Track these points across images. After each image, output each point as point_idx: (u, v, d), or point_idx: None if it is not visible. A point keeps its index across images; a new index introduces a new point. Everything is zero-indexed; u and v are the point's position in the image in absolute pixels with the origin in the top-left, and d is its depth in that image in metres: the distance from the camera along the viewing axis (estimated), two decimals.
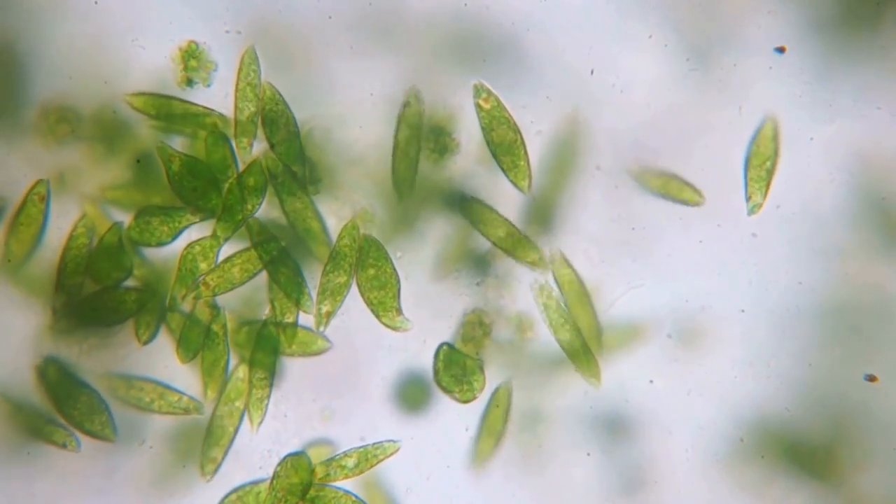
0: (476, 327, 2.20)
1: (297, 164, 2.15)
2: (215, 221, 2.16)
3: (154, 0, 2.17)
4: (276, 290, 2.17)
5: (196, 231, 2.17)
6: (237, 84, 2.15)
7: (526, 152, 2.19)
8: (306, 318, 2.19)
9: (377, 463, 2.17)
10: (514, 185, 2.19)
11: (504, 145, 2.18)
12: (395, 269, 2.17)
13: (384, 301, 2.18)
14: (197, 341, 2.17)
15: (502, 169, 2.19)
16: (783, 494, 2.20)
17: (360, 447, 2.18)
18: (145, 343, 2.16)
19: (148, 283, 2.17)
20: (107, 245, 2.15)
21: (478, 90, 2.18)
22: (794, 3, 2.20)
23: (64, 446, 2.16)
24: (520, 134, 2.19)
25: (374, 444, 2.18)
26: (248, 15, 2.18)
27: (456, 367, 2.18)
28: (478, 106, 2.18)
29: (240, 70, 2.15)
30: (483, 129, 2.18)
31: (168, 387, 2.18)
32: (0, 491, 2.17)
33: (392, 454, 2.17)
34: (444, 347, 2.18)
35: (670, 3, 2.20)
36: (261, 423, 2.18)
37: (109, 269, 2.15)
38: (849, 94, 2.19)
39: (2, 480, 2.17)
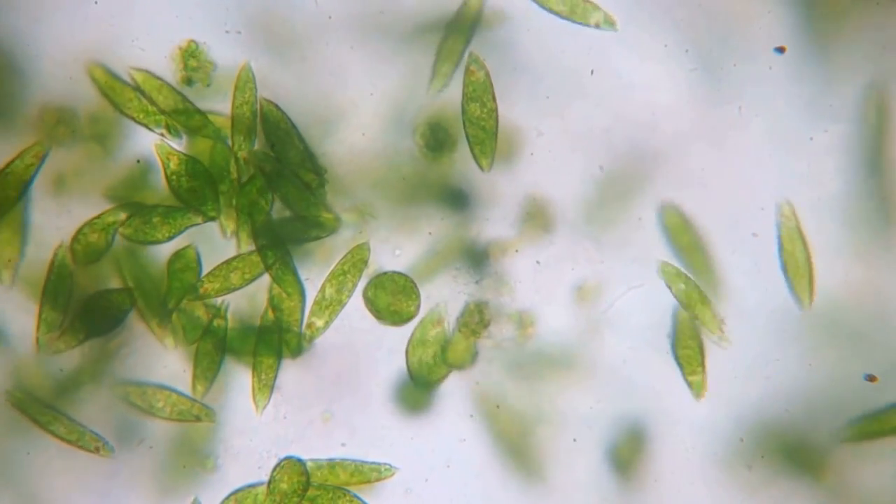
0: (474, 315, 2.20)
1: (307, 175, 2.15)
2: (237, 244, 2.16)
3: (154, 0, 2.17)
4: (280, 299, 2.17)
5: (194, 232, 2.18)
6: (233, 101, 2.15)
7: (496, 133, 2.18)
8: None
9: (367, 483, 2.17)
10: (475, 159, 2.19)
11: (477, 119, 2.17)
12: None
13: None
14: (196, 334, 2.17)
15: (468, 140, 2.18)
16: (783, 494, 2.20)
17: (358, 461, 2.18)
18: (161, 324, 2.16)
19: (147, 278, 2.17)
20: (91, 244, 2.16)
21: (472, 59, 2.17)
22: (794, 3, 2.19)
23: (96, 451, 2.16)
24: (496, 115, 2.18)
25: (371, 462, 2.17)
26: (248, 15, 2.18)
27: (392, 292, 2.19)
28: (466, 73, 2.17)
29: (236, 87, 2.15)
30: (463, 95, 2.18)
31: (181, 394, 2.18)
32: (0, 491, 2.17)
33: (385, 478, 2.17)
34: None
35: (670, 3, 2.19)
36: (265, 406, 2.18)
37: (88, 256, 2.15)
38: (849, 94, 2.19)
39: (2, 480, 2.17)
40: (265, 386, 2.17)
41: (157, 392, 2.17)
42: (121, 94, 2.15)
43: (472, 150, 2.18)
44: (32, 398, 2.16)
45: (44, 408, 2.16)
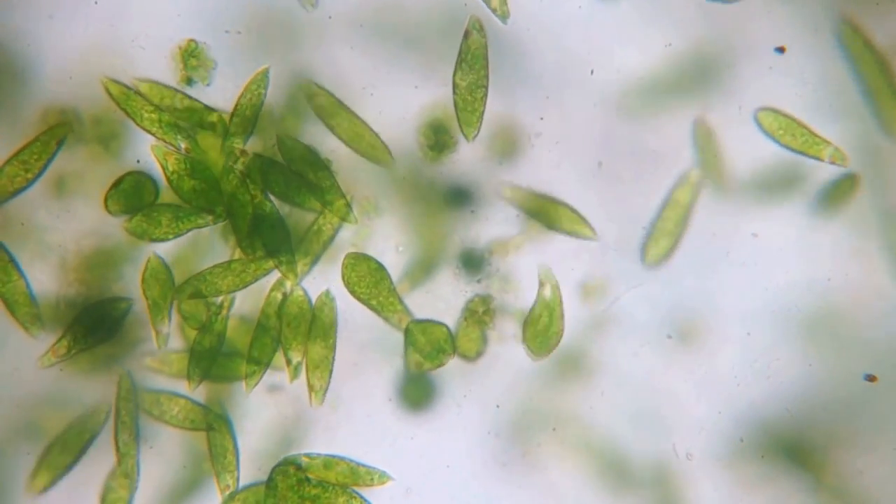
0: (479, 304, 2.20)
1: (336, 195, 2.16)
2: (237, 249, 2.16)
3: (154, 0, 2.17)
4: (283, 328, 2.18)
5: (194, 232, 2.18)
6: (240, 98, 2.15)
7: (484, 106, 2.17)
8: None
9: (361, 486, 2.17)
10: (460, 128, 2.18)
11: (468, 86, 2.17)
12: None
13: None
14: (196, 326, 2.18)
15: (455, 106, 2.18)
16: (783, 494, 2.20)
17: (354, 461, 2.18)
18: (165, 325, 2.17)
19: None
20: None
21: (472, 22, 2.16)
22: (794, 3, 2.19)
23: (125, 476, 2.16)
24: (486, 87, 2.17)
25: (368, 467, 2.18)
26: (248, 15, 2.18)
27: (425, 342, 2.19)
28: (464, 36, 2.16)
29: (246, 87, 2.15)
30: (458, 58, 2.17)
31: (194, 402, 2.18)
32: (1, 492, 2.18)
33: (377, 485, 2.17)
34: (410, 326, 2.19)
35: (670, 3, 2.19)
36: (257, 383, 2.17)
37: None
38: (849, 93, 2.19)
39: (4, 481, 2.18)
40: (260, 365, 2.17)
41: (171, 400, 2.17)
42: (138, 108, 2.15)
43: (457, 117, 2.17)
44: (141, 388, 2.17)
45: (136, 400, 2.17)
